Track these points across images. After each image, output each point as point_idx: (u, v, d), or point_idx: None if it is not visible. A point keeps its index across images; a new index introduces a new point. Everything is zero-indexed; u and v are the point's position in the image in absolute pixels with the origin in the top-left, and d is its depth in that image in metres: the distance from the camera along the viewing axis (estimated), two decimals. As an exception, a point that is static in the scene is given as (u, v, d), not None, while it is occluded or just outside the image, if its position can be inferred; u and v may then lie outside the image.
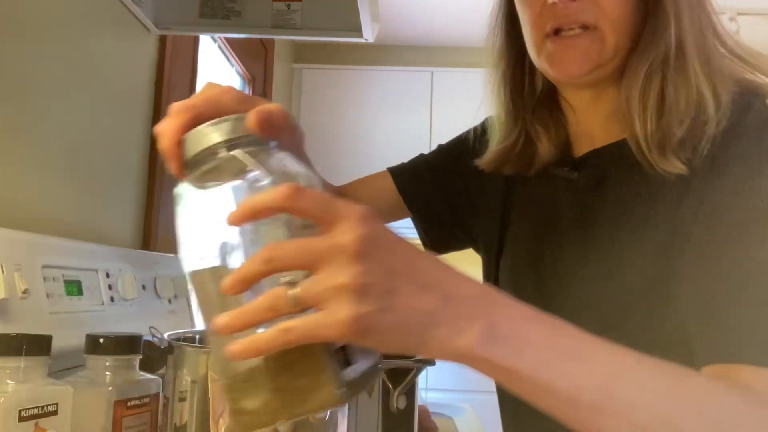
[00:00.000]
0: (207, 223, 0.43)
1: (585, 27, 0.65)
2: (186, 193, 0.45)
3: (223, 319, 0.39)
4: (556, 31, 0.66)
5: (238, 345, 0.38)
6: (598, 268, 0.68)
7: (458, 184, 0.88)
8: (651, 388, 0.45)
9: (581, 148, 0.76)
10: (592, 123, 0.74)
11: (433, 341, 0.40)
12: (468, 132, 0.88)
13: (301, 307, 0.38)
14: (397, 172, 0.90)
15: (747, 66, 0.66)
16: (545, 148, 0.75)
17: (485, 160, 0.80)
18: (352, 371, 0.41)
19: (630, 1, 0.65)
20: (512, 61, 0.76)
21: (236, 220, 0.40)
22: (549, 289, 0.73)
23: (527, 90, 0.76)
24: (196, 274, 0.43)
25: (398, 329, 0.39)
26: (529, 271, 0.76)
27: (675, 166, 0.62)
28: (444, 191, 0.88)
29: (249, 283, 0.39)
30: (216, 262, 0.42)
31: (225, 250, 0.42)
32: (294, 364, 0.39)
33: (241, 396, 0.40)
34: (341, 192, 0.86)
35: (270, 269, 0.38)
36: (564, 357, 0.43)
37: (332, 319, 0.37)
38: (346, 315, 0.37)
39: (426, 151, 0.94)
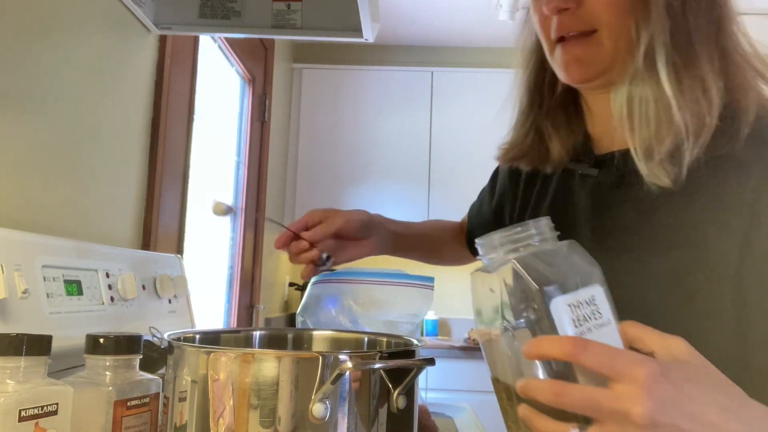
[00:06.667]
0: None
1: (584, 33, 0.67)
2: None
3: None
4: (561, 38, 0.68)
5: None
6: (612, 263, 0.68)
7: (495, 202, 0.95)
8: None
9: (601, 147, 0.76)
10: (609, 124, 0.73)
11: None
12: None
13: None
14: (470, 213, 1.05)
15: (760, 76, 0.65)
16: (556, 149, 0.78)
17: (498, 155, 0.85)
18: None
19: (622, 7, 0.65)
20: (537, 63, 0.78)
21: (529, 356, 0.44)
22: None
23: (546, 90, 0.79)
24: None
25: None
26: None
27: (660, 180, 0.62)
28: (495, 215, 0.96)
29: (538, 396, 0.43)
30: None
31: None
32: None
33: None
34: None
35: (557, 403, 0.42)
36: None
37: None
38: None
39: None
